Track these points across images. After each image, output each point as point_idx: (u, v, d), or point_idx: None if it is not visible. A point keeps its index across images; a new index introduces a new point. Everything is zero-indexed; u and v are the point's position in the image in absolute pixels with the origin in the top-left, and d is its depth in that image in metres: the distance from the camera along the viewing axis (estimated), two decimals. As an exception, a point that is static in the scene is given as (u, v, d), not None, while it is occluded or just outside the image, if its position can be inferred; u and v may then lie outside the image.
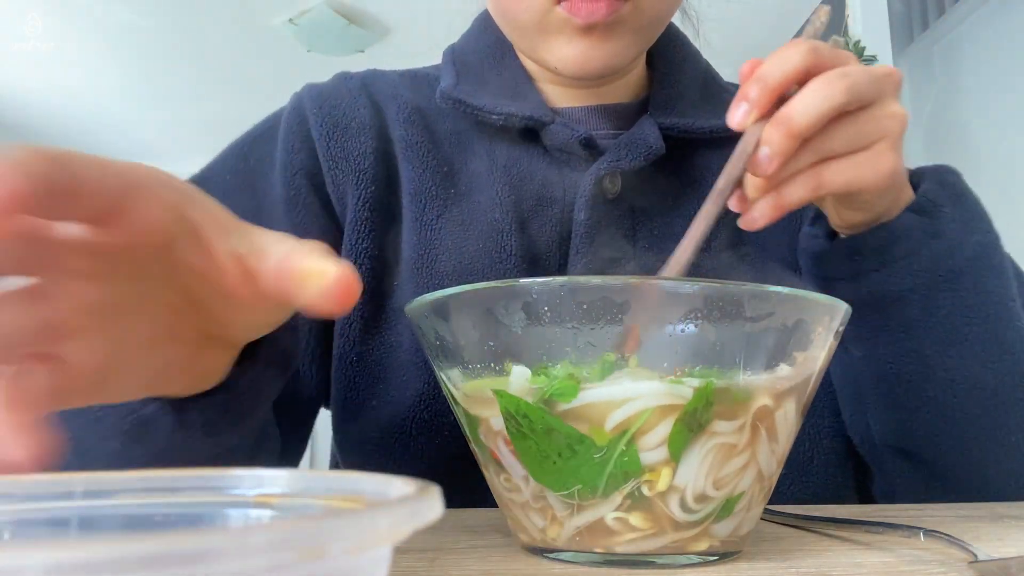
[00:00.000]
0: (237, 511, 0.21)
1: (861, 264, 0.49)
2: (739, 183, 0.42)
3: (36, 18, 3.02)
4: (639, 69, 0.66)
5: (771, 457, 0.32)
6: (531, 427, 0.31)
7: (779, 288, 0.30)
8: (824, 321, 0.32)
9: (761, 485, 0.32)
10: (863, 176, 0.43)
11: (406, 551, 0.34)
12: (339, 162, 0.61)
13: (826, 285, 0.51)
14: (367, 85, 0.65)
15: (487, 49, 0.65)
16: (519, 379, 0.31)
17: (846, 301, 0.49)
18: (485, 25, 0.67)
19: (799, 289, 0.31)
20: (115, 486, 0.21)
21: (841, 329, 0.34)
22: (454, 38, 0.70)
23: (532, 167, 0.61)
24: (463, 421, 0.36)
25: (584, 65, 0.56)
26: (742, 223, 0.44)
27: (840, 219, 0.50)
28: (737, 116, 0.42)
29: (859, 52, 2.62)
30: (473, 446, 0.36)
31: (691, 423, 0.30)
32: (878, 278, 0.49)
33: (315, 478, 0.20)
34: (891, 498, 0.57)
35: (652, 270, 0.42)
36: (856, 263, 0.49)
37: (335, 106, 0.63)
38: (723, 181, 0.41)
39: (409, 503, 0.14)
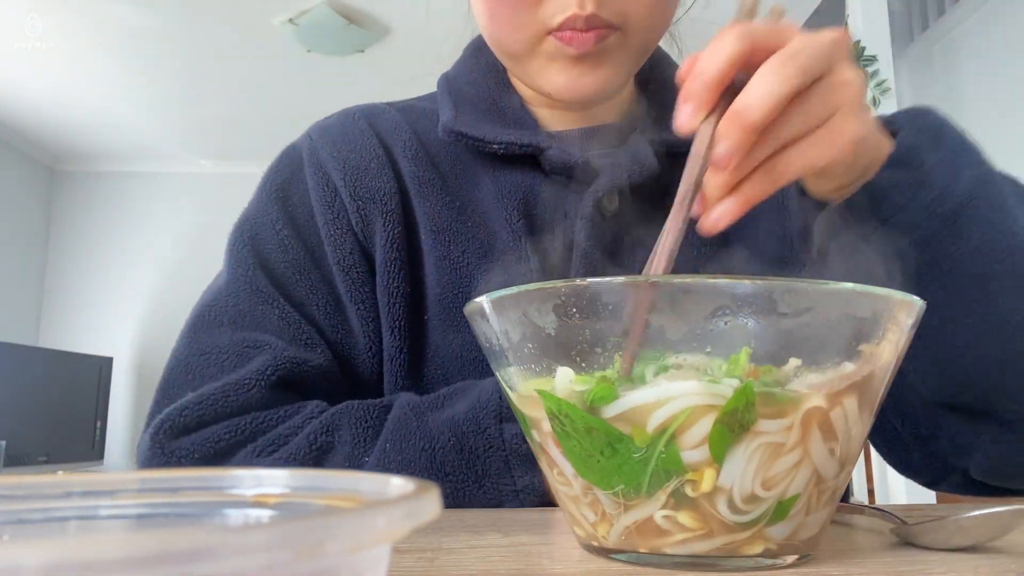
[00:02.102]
0: (236, 511, 0.21)
1: (854, 228, 0.48)
2: (699, 186, 0.40)
3: (36, 18, 3.02)
4: (627, 90, 0.68)
5: (829, 458, 0.31)
6: (573, 426, 0.31)
7: (847, 284, 0.30)
8: (893, 317, 0.31)
9: (820, 487, 0.31)
10: (822, 154, 0.42)
11: (406, 551, 0.34)
12: (367, 203, 0.62)
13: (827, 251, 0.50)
14: (372, 123, 0.66)
15: (482, 78, 0.67)
16: (563, 380, 0.32)
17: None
18: (478, 54, 0.69)
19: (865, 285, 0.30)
20: (114, 486, 0.21)
21: (915, 325, 0.33)
22: (453, 39, 0.71)
23: (535, 191, 0.62)
24: (519, 419, 0.37)
25: (577, 91, 0.58)
26: (703, 225, 0.42)
27: (818, 191, 0.49)
28: (683, 117, 0.40)
29: (859, 52, 2.62)
30: (530, 442, 0.37)
31: (731, 424, 0.29)
32: (875, 239, 0.47)
33: (313, 477, 0.20)
34: (984, 476, 0.54)
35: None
36: (849, 227, 0.48)
37: (352, 148, 0.64)
38: (684, 187, 0.40)
39: (407, 502, 0.15)
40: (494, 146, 0.62)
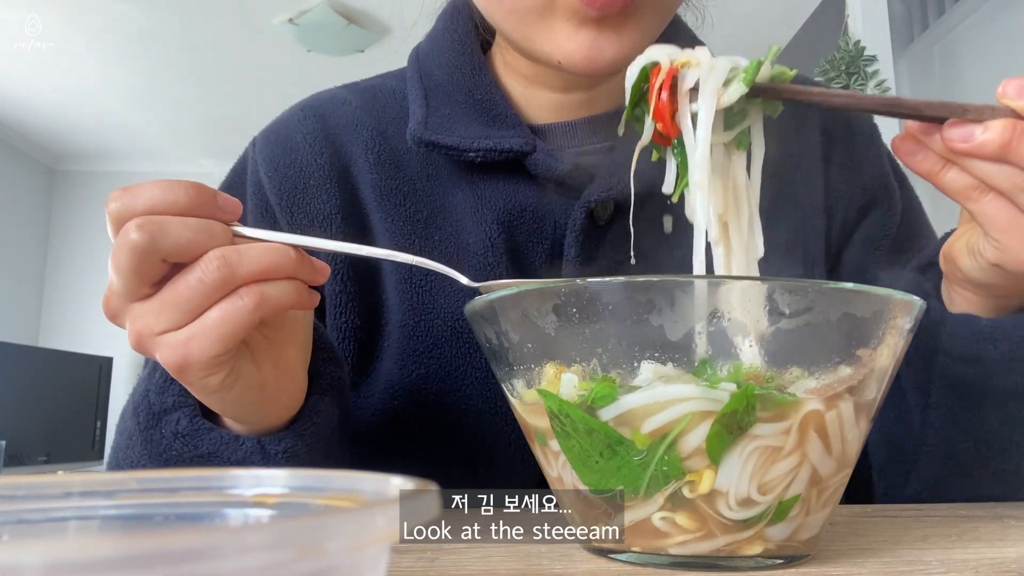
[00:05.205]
0: (235, 511, 0.21)
1: (989, 351, 0.45)
2: (922, 117, 0.39)
3: (36, 18, 3.02)
4: None
5: (827, 459, 0.31)
6: (573, 426, 0.31)
7: (847, 284, 0.30)
8: (894, 319, 0.31)
9: (819, 488, 0.31)
10: (1012, 240, 0.39)
11: (406, 551, 0.34)
12: (304, 228, 0.55)
13: (931, 353, 0.47)
14: (324, 118, 0.59)
15: (455, 61, 0.59)
16: (568, 386, 0.32)
17: (949, 378, 0.47)
18: (452, 28, 0.61)
19: (867, 285, 0.30)
20: (114, 486, 0.21)
21: (913, 327, 0.33)
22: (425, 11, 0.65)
23: (519, 198, 0.56)
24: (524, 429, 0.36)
25: (593, 59, 0.49)
26: (896, 139, 0.41)
27: (979, 279, 0.44)
28: (1014, 89, 0.38)
29: (859, 52, 2.62)
30: (533, 448, 0.37)
31: (730, 425, 0.29)
32: (1003, 369, 0.45)
33: (313, 477, 0.20)
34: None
35: None
36: (983, 348, 0.45)
37: (292, 162, 0.57)
38: (921, 103, 0.39)
39: (407, 502, 0.15)
40: (471, 154, 0.54)
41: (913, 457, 0.51)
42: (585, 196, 0.54)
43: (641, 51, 0.53)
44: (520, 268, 0.55)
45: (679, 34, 0.60)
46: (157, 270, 0.36)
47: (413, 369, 0.54)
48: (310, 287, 0.39)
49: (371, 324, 0.56)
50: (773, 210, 0.58)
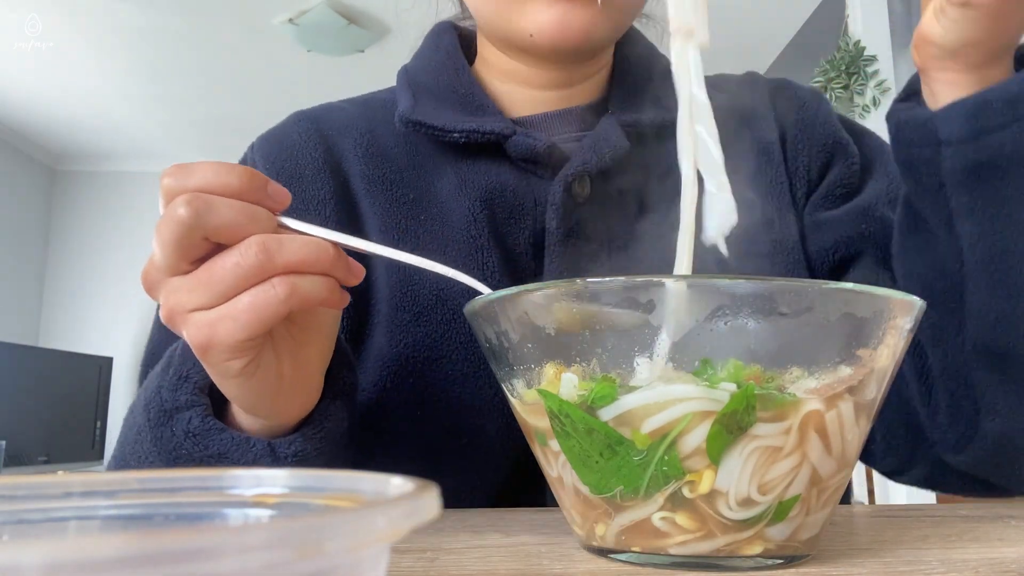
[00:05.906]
0: (235, 511, 0.21)
1: (986, 120, 0.44)
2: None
3: (36, 18, 3.02)
4: (604, 71, 0.66)
5: (827, 459, 0.31)
6: (573, 426, 0.31)
7: (847, 284, 0.30)
8: (894, 319, 0.31)
9: (819, 488, 0.31)
10: None
11: (406, 551, 0.34)
12: (301, 215, 0.58)
13: (934, 153, 0.46)
14: (318, 121, 0.64)
15: (440, 66, 0.65)
16: (568, 386, 0.32)
17: (959, 170, 0.46)
18: (437, 42, 0.67)
19: (868, 286, 0.30)
20: (114, 486, 0.21)
21: (913, 328, 0.33)
22: (418, 24, 0.70)
23: (501, 179, 0.60)
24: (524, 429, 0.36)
25: (562, 31, 0.55)
26: None
27: (958, 32, 0.43)
28: None
29: (859, 52, 2.62)
30: (533, 448, 0.37)
31: (730, 425, 0.29)
32: (1005, 136, 0.44)
33: (313, 477, 0.20)
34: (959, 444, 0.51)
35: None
36: (979, 120, 0.44)
37: (288, 156, 0.62)
38: None
39: (407, 502, 0.15)
40: (454, 135, 0.59)
41: (958, 292, 0.48)
42: (563, 172, 0.58)
43: (609, 28, 0.59)
44: (503, 243, 0.59)
45: (634, 44, 0.66)
46: (199, 247, 0.36)
47: (401, 339, 0.57)
48: (342, 288, 0.40)
49: (362, 302, 0.59)
50: (735, 172, 0.60)
